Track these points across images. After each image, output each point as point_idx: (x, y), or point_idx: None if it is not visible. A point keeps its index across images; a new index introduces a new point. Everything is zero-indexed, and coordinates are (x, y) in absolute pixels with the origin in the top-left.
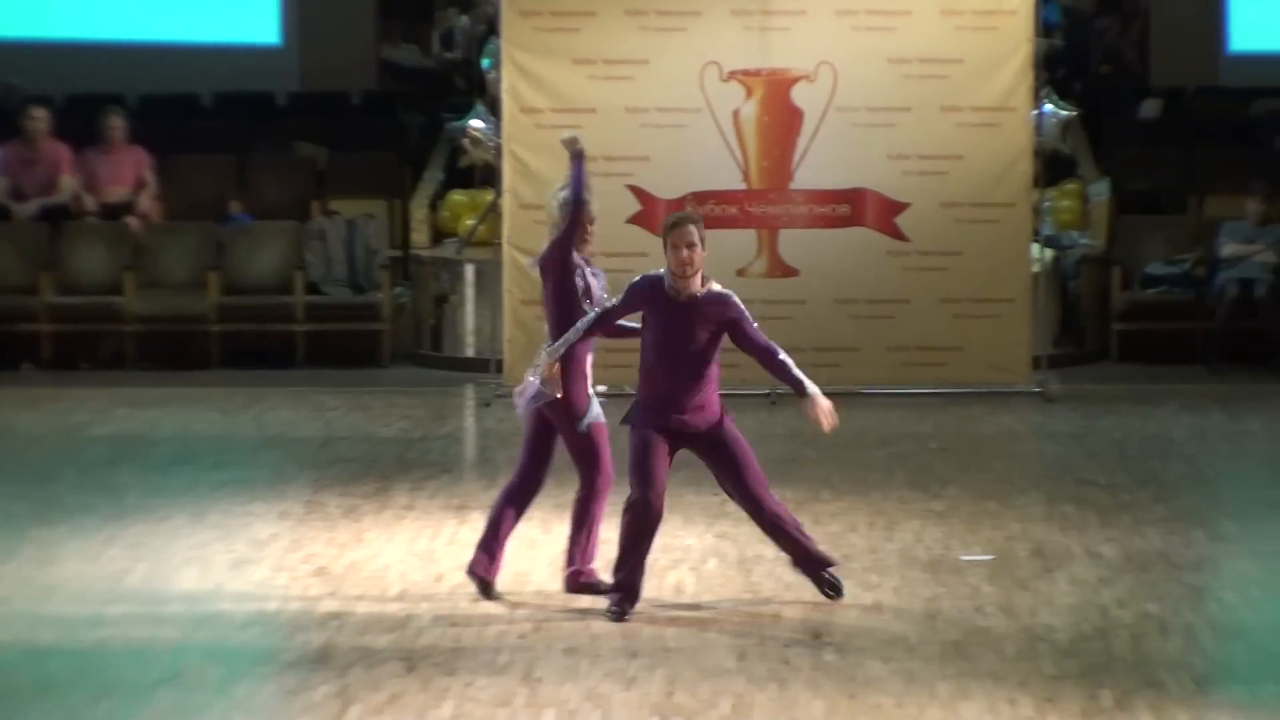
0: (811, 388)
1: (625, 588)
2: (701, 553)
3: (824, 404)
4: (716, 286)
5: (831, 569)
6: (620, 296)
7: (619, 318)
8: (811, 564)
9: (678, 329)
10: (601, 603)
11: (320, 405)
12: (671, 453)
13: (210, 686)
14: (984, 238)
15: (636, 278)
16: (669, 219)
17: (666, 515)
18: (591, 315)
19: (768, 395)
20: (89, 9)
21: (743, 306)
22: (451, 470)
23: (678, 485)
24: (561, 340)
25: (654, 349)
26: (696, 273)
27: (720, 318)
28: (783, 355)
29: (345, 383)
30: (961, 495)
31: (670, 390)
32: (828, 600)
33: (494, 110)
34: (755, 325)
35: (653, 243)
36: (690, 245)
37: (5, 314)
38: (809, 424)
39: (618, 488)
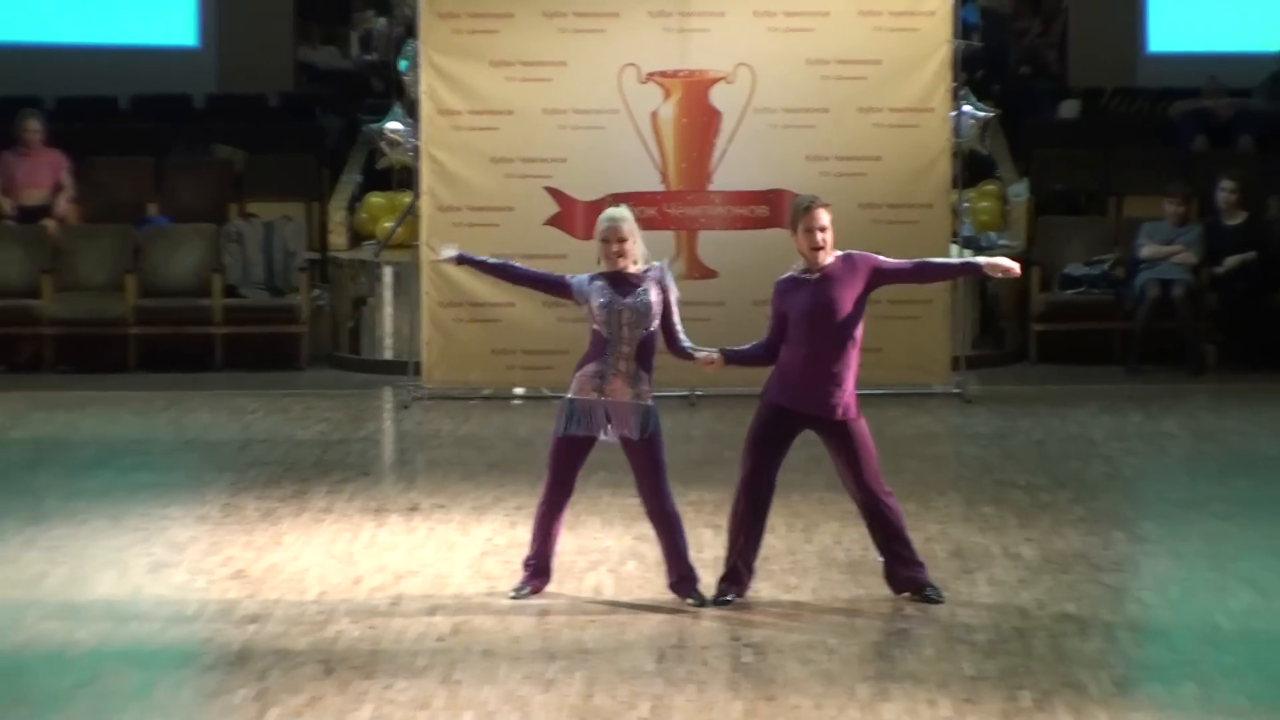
0: (979, 260)
1: (729, 574)
2: (620, 555)
3: (1001, 263)
4: (838, 251)
5: (925, 588)
6: (771, 313)
7: (782, 332)
8: (898, 581)
9: (820, 306)
10: (520, 603)
11: (238, 408)
12: (795, 433)
13: (129, 689)
14: (903, 239)
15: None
16: (799, 203)
17: (584, 517)
18: (763, 341)
19: (686, 396)
20: (5, 11)
21: (868, 253)
22: (370, 473)
23: (595, 487)
24: (740, 354)
25: (797, 332)
26: (829, 253)
27: (855, 274)
28: (932, 259)
29: (263, 385)
30: None
31: (811, 370)
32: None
33: (412, 112)
34: (887, 259)
35: (571, 245)
36: (823, 229)
37: None
38: (727, 425)
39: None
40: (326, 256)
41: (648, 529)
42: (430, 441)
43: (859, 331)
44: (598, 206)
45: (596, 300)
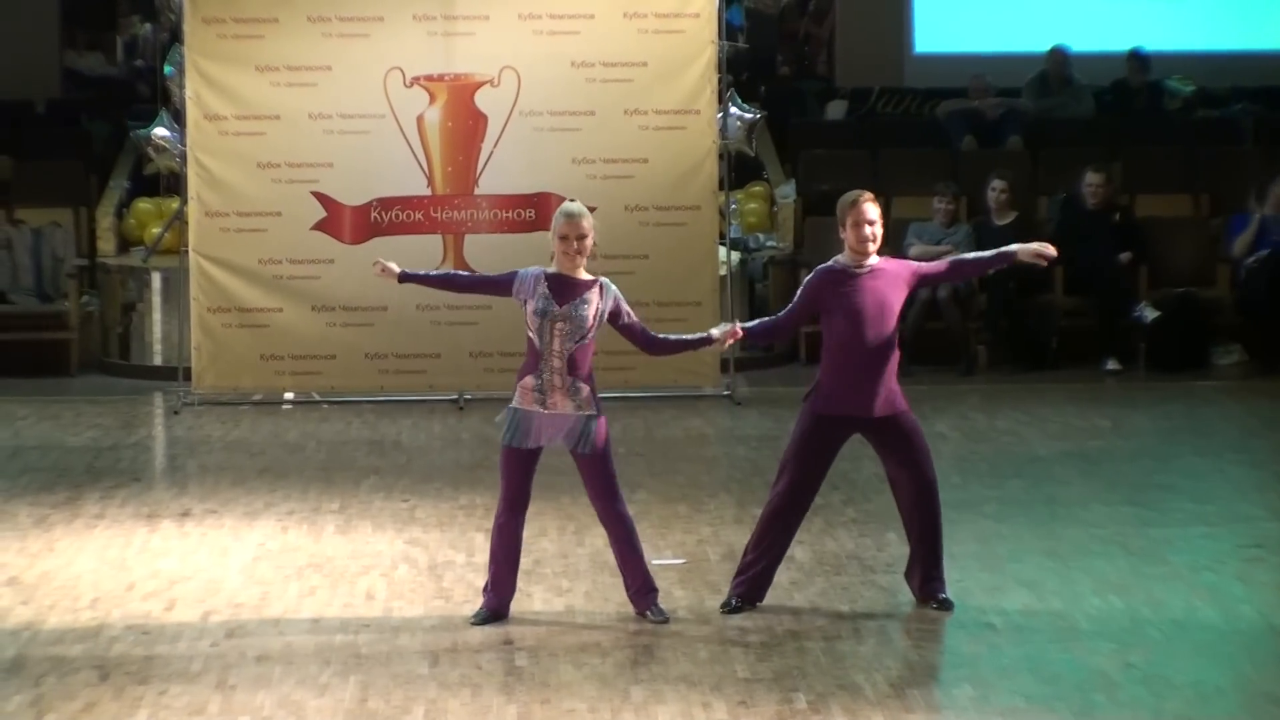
0: (1012, 248)
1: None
2: (392, 559)
3: (1034, 247)
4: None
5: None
6: (798, 297)
7: (799, 322)
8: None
9: (869, 302)
10: (292, 607)
11: (8, 415)
12: (841, 441)
13: None
14: (670, 241)
15: (810, 274)
16: (847, 197)
17: (355, 521)
18: (777, 319)
19: (455, 400)
20: None
21: (908, 259)
22: (141, 479)
23: (366, 492)
24: (752, 329)
25: (845, 329)
26: (877, 247)
27: (902, 276)
28: (965, 255)
29: (33, 392)
30: (652, 499)
31: (861, 370)
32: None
33: (178, 118)
34: (923, 263)
35: (338, 249)
36: (871, 222)
37: None
38: (496, 430)
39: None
40: (95, 262)
41: (419, 533)
42: (201, 447)
43: (897, 329)
44: (364, 211)
45: (533, 305)
